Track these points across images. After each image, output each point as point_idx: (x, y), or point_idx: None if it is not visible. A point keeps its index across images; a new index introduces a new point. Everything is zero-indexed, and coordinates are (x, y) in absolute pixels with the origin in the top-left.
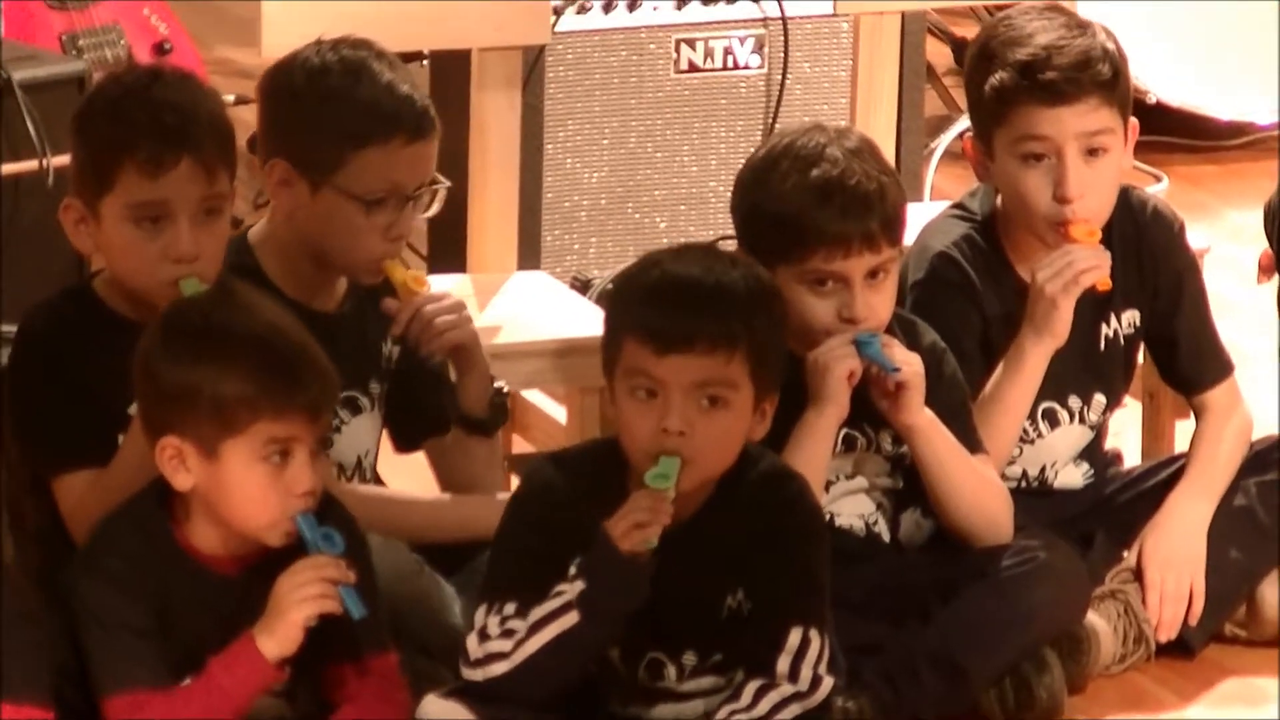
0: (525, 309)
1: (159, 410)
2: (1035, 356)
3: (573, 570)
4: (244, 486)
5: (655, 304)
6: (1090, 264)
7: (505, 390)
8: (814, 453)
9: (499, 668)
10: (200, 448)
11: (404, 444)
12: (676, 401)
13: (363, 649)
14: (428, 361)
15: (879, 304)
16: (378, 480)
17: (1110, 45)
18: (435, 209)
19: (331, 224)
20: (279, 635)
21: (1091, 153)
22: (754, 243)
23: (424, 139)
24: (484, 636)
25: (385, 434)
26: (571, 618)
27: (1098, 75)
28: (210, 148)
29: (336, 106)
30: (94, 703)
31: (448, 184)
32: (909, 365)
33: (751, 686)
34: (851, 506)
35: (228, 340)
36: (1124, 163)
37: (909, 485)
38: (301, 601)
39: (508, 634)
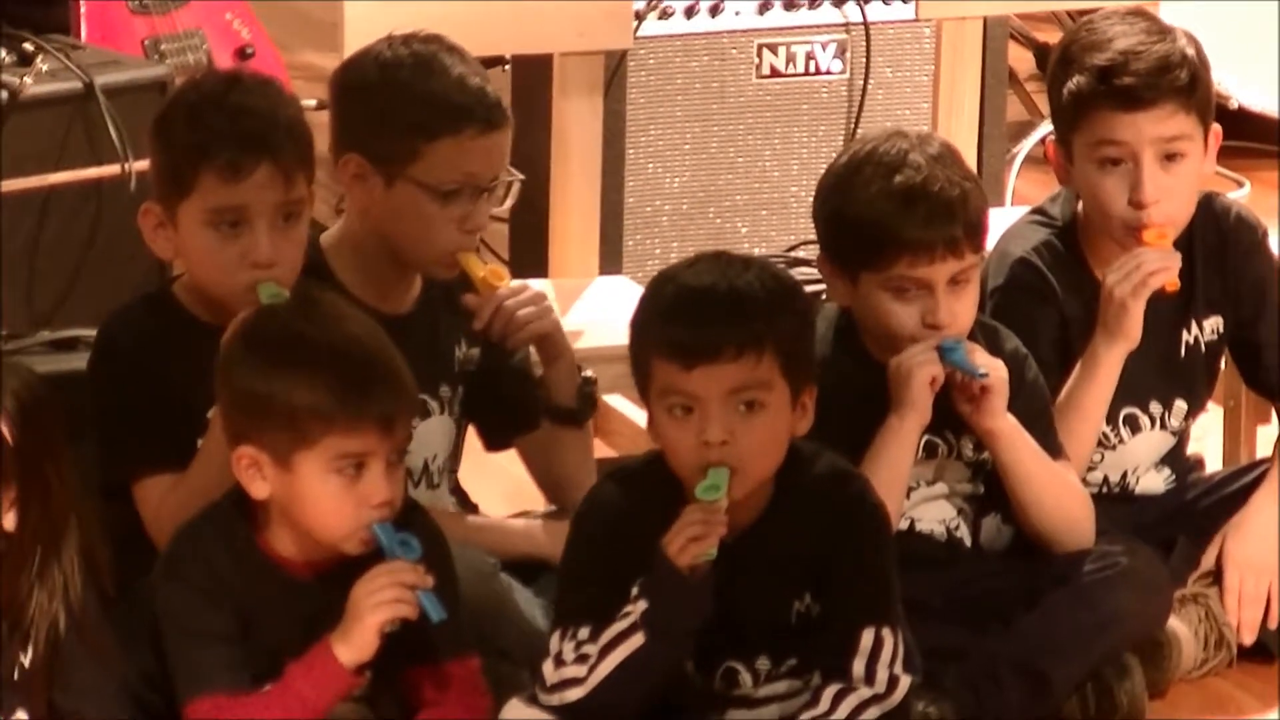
0: (607, 314)
1: (236, 419)
2: (1109, 360)
3: (635, 590)
4: (318, 498)
5: (676, 320)
6: (1158, 265)
7: (593, 379)
8: (896, 459)
9: (574, 693)
10: (275, 458)
11: (494, 443)
12: (713, 412)
13: (443, 653)
14: (511, 359)
15: (962, 310)
16: (454, 484)
17: (1190, 51)
18: (509, 202)
19: (406, 217)
20: (355, 642)
21: (1169, 158)
22: (837, 249)
23: (496, 130)
24: (559, 662)
25: (471, 435)
26: (638, 638)
27: (1175, 81)
28: (289, 152)
29: (408, 99)
30: (175, 707)
31: (521, 177)
32: (993, 370)
33: (829, 691)
34: (932, 512)
35: (302, 352)
36: (1204, 169)
37: (990, 491)
38: (377, 607)
39: (582, 659)
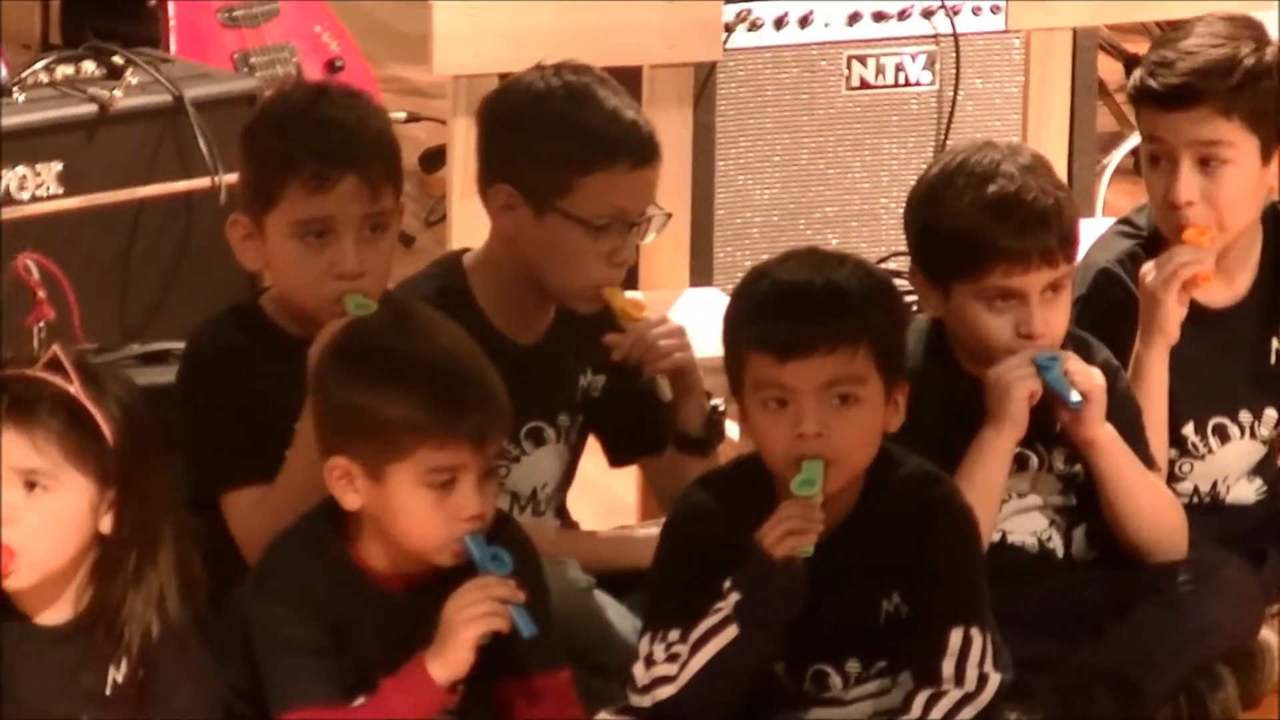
0: (697, 325)
1: (329, 430)
2: (1153, 360)
3: (727, 584)
4: (409, 511)
5: (771, 314)
6: (1189, 259)
7: (721, 409)
8: (992, 471)
9: (665, 691)
10: (367, 470)
11: (618, 461)
12: (808, 405)
13: (536, 666)
14: (639, 381)
15: (1055, 319)
16: (563, 513)
17: (1251, 60)
18: (653, 236)
19: (555, 249)
20: (449, 657)
21: (1207, 161)
22: (929, 260)
23: (648, 165)
24: (650, 662)
25: (580, 460)
26: (731, 631)
27: (1218, 85)
28: (375, 164)
29: (562, 131)
30: (266, 716)
31: (669, 213)
32: (1089, 381)
33: (921, 697)
34: (1024, 524)
35: (396, 364)
36: (1263, 178)
37: (1082, 502)
38: (469, 621)
39: (673, 658)
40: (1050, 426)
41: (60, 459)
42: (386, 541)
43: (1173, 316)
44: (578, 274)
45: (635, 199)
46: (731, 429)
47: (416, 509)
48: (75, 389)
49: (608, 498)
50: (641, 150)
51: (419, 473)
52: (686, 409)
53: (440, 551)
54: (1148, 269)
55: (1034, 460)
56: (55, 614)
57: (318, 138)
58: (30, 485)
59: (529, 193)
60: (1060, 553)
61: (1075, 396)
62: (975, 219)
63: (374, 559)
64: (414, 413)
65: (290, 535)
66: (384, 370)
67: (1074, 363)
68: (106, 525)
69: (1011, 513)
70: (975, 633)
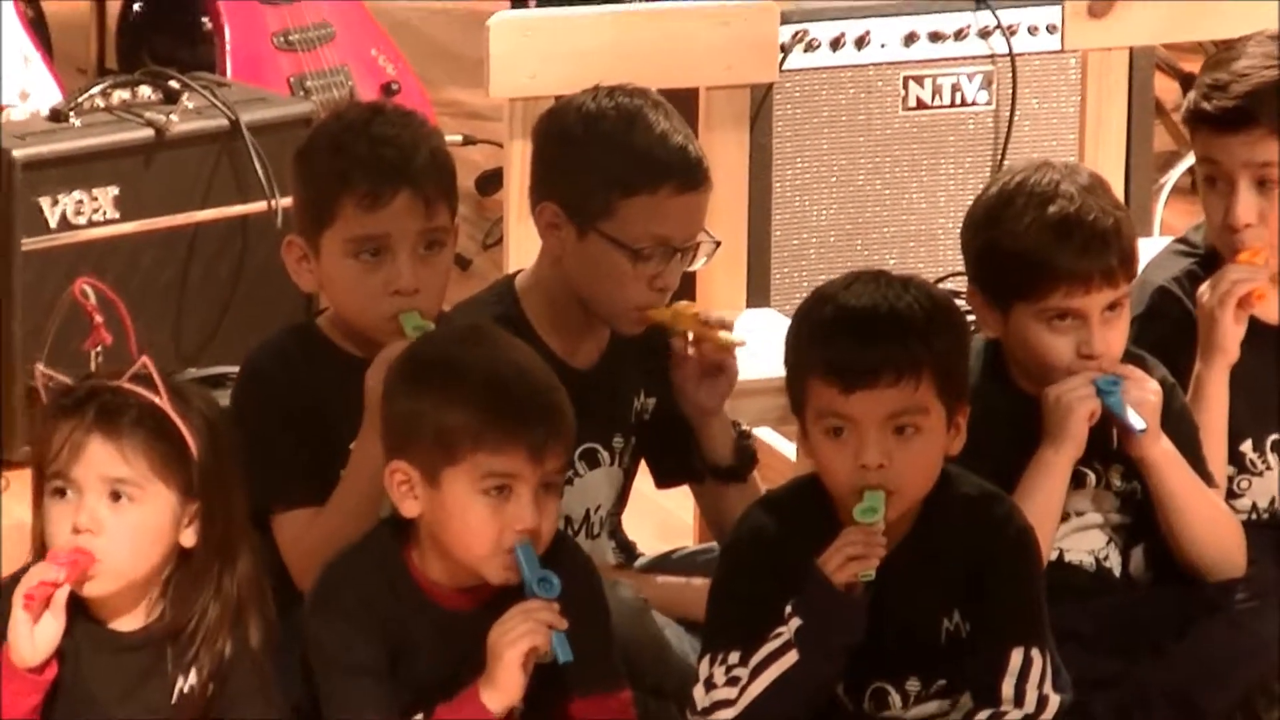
0: (754, 346)
1: (390, 434)
2: (1213, 378)
3: (788, 609)
4: (463, 517)
5: (835, 342)
6: (1243, 276)
7: (749, 432)
8: (1050, 491)
9: (725, 714)
10: (424, 474)
11: (662, 482)
12: (871, 436)
13: (595, 687)
14: (680, 411)
15: (1114, 339)
16: (618, 534)
17: None
18: (701, 263)
19: (597, 270)
20: (501, 685)
21: (1262, 182)
22: (989, 280)
23: (694, 191)
24: (710, 686)
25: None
26: (791, 657)
27: (1272, 107)
28: (429, 182)
29: (608, 152)
30: None
31: (718, 240)
32: (1149, 406)
33: (980, 718)
34: (1081, 543)
35: (458, 371)
36: None
37: (1140, 519)
38: (513, 643)
39: (732, 681)
40: (1107, 444)
41: (147, 470)
42: (445, 557)
43: (1230, 334)
44: (618, 296)
45: (679, 225)
46: (789, 448)
47: (470, 516)
48: (163, 401)
49: (665, 518)
50: (687, 174)
51: (474, 478)
52: (713, 436)
53: (491, 561)
54: (1205, 288)
55: (1091, 478)
56: (129, 621)
57: (372, 155)
58: (116, 495)
59: (573, 212)
60: (1117, 571)
61: (1139, 424)
62: (1036, 239)
63: (435, 576)
64: (471, 417)
65: (351, 553)
66: (446, 376)
67: (1134, 387)
68: (189, 538)
69: (1069, 531)
70: (1035, 653)
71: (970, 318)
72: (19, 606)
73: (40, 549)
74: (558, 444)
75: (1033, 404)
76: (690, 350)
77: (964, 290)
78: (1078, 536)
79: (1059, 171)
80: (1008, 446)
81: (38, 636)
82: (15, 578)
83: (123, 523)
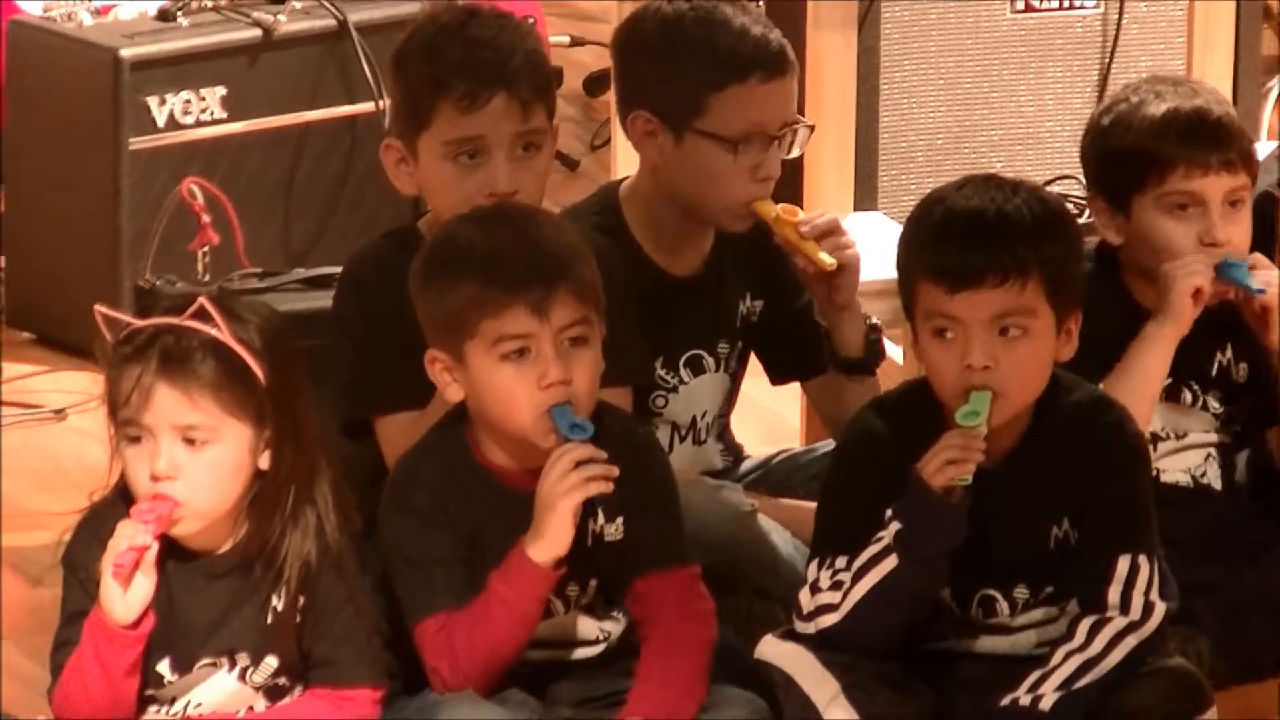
0: (861, 249)
1: (423, 324)
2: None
3: (889, 513)
4: (491, 386)
5: (941, 243)
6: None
7: (879, 326)
8: (1149, 365)
9: (829, 619)
10: (453, 356)
11: (778, 379)
12: (977, 337)
13: (662, 563)
14: (798, 304)
15: (1237, 234)
16: (725, 437)
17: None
18: (798, 150)
19: (697, 169)
20: (548, 534)
21: None
22: (1109, 180)
23: (781, 77)
24: (815, 589)
25: (743, 384)
26: (891, 561)
27: None
28: (525, 83)
29: (691, 53)
30: (405, 634)
31: (811, 124)
32: (1272, 286)
33: (1085, 624)
34: (1177, 463)
35: (460, 249)
36: None
37: (1237, 438)
38: (566, 493)
39: (836, 585)
40: (1206, 367)
41: (217, 410)
42: (501, 438)
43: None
44: (723, 193)
45: (770, 111)
46: (896, 351)
47: (497, 384)
48: (224, 334)
49: (772, 420)
50: (772, 62)
51: (489, 346)
52: (845, 329)
53: (534, 428)
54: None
55: (1188, 396)
56: (217, 548)
57: (467, 57)
58: (190, 440)
59: (666, 117)
60: (1217, 485)
61: (1258, 285)
62: (1154, 128)
63: (499, 460)
64: (472, 287)
65: (419, 449)
66: (449, 256)
67: (1261, 271)
68: (265, 462)
69: (1166, 451)
70: (1143, 560)
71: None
72: (109, 574)
73: (123, 488)
74: (563, 298)
75: (1145, 317)
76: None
77: (1073, 195)
78: (1173, 458)
79: (1169, 81)
80: (1116, 355)
81: (130, 596)
82: (97, 513)
83: (200, 463)
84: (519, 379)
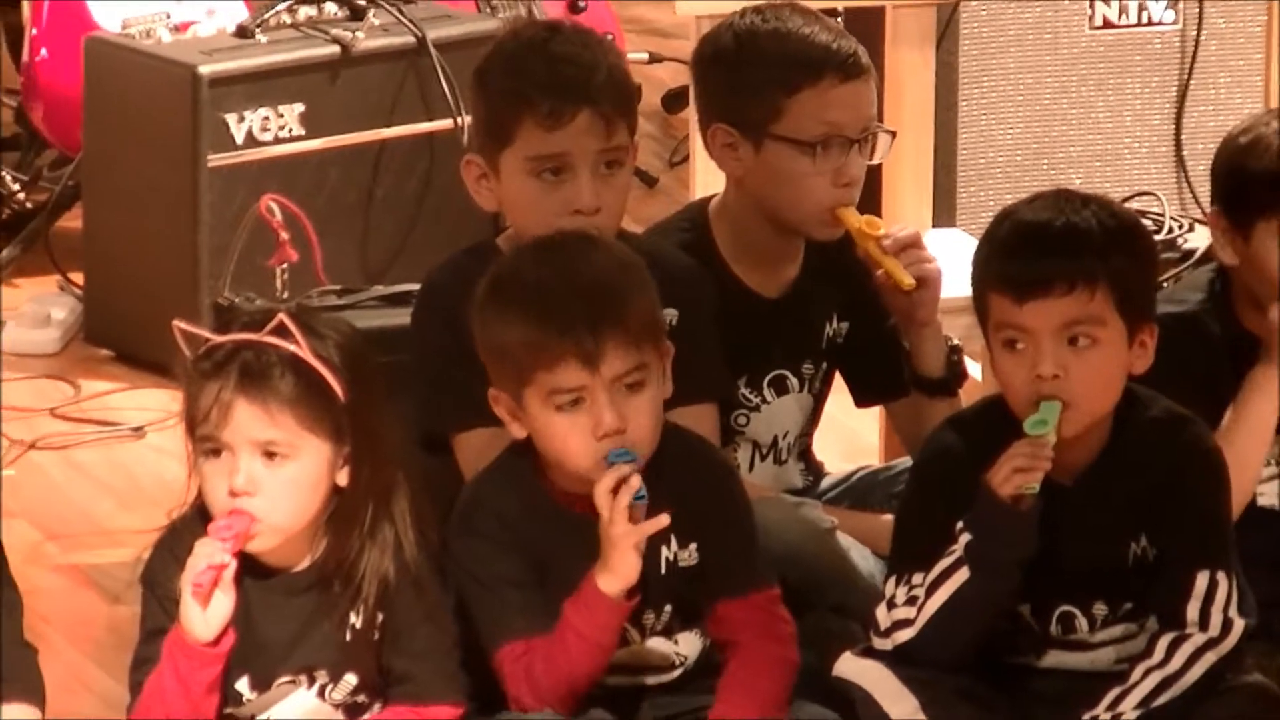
0: (941, 266)
1: (484, 361)
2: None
3: (960, 525)
4: (548, 435)
5: (1009, 254)
6: None
7: (959, 346)
8: (1259, 409)
9: (905, 634)
10: (512, 397)
11: (862, 401)
12: (1046, 346)
13: (742, 585)
14: (884, 327)
15: None
16: (807, 456)
17: None
18: (880, 156)
19: (778, 176)
20: (616, 567)
21: None
22: (1233, 200)
23: (855, 79)
24: (891, 605)
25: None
26: (963, 573)
27: None
28: (608, 100)
29: (765, 61)
30: (484, 658)
31: (892, 130)
32: None
33: (1164, 640)
34: (1274, 488)
35: (510, 292)
36: None
37: None
38: (623, 534)
39: (912, 600)
40: None
41: (296, 426)
42: (567, 469)
43: None
44: (805, 198)
45: (847, 113)
46: (975, 369)
47: (554, 433)
48: (303, 350)
49: (851, 437)
50: (844, 64)
51: (543, 395)
52: (925, 347)
53: (594, 472)
54: None
55: None
56: (295, 565)
57: (551, 73)
58: (269, 455)
59: (743, 127)
60: None
61: None
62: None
63: (567, 486)
64: (522, 339)
65: (488, 472)
66: (502, 299)
67: None
68: (343, 478)
69: (1265, 478)
70: (1221, 576)
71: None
72: (188, 593)
73: (200, 505)
74: (614, 346)
75: (1255, 342)
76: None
77: (1151, 211)
78: (1273, 483)
79: None
80: (1224, 382)
81: (210, 614)
82: (175, 531)
83: (279, 479)
84: (573, 428)
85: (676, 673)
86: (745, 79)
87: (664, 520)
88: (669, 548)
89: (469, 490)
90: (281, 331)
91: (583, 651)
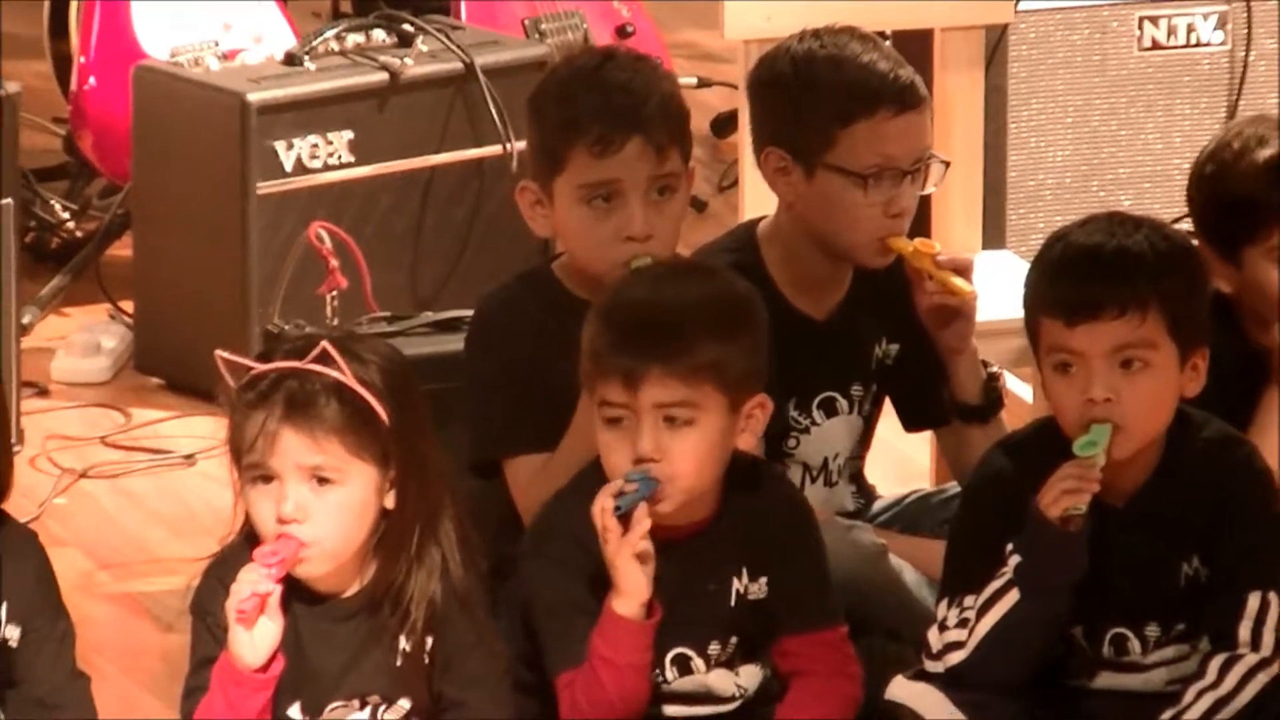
0: (990, 289)
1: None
2: None
3: (1009, 547)
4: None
5: (1060, 278)
6: None
7: (998, 373)
8: (1272, 433)
9: (956, 656)
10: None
11: (911, 426)
12: (1097, 369)
13: (813, 622)
14: (933, 351)
15: None
16: (859, 479)
17: None
18: (933, 186)
19: (829, 205)
20: (623, 588)
21: None
22: (1218, 229)
23: (911, 110)
24: (943, 628)
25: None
26: (1013, 595)
27: None
28: (660, 127)
29: (821, 88)
30: (548, 681)
31: (947, 160)
32: None
33: (1216, 662)
34: None
35: (595, 309)
36: None
37: None
38: (617, 551)
39: (963, 623)
40: None
41: (343, 452)
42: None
43: None
44: (855, 229)
45: (900, 145)
46: (1026, 391)
47: (600, 443)
48: (347, 377)
49: (902, 461)
50: (900, 96)
51: (596, 409)
52: (960, 374)
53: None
54: None
55: None
56: (344, 590)
57: (603, 101)
58: (318, 481)
59: (797, 153)
60: None
61: None
62: (1255, 179)
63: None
64: (586, 349)
65: (562, 496)
66: (605, 314)
67: None
68: (390, 501)
69: None
70: (1273, 597)
71: None
72: (233, 619)
73: (249, 532)
74: (656, 373)
75: (1263, 357)
76: (927, 292)
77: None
78: None
79: (1272, 121)
80: (1237, 398)
81: (257, 640)
82: (224, 558)
83: (327, 505)
84: (612, 444)
85: (736, 704)
86: (800, 106)
87: (646, 522)
88: (740, 580)
89: (542, 513)
90: (324, 358)
91: (613, 676)
